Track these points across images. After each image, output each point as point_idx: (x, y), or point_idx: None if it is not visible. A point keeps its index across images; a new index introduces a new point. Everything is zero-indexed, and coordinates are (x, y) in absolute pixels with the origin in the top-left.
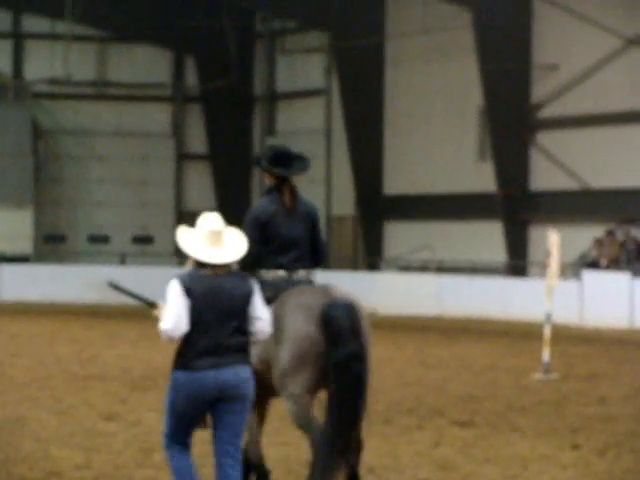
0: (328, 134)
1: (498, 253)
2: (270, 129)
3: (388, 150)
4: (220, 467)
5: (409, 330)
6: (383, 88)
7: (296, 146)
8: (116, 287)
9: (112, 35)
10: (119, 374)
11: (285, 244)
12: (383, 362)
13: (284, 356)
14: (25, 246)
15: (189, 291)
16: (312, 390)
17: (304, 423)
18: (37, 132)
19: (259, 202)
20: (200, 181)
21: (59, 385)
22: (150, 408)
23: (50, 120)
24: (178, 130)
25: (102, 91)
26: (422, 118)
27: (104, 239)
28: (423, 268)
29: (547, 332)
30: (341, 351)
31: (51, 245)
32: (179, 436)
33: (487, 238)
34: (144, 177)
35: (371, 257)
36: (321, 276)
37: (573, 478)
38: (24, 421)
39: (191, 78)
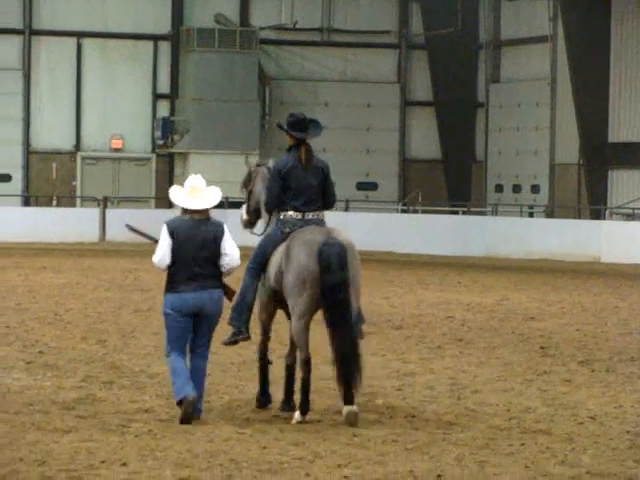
0: (553, 81)
1: None
2: (494, 76)
3: (614, 97)
4: (192, 358)
5: (633, 279)
6: (609, 33)
7: (520, 93)
8: (132, 229)
9: None
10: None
11: (299, 191)
12: (606, 310)
13: (289, 279)
14: None
15: (172, 233)
16: (311, 309)
17: (300, 340)
18: (263, 79)
19: (280, 158)
20: (424, 128)
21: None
22: (373, 352)
23: (276, 67)
24: (403, 77)
25: (327, 38)
26: None
27: None
28: None
29: None
30: (329, 279)
31: None
32: (175, 344)
33: None
34: (369, 124)
35: (595, 205)
36: (544, 223)
37: None
38: (250, 365)
39: (416, 25)
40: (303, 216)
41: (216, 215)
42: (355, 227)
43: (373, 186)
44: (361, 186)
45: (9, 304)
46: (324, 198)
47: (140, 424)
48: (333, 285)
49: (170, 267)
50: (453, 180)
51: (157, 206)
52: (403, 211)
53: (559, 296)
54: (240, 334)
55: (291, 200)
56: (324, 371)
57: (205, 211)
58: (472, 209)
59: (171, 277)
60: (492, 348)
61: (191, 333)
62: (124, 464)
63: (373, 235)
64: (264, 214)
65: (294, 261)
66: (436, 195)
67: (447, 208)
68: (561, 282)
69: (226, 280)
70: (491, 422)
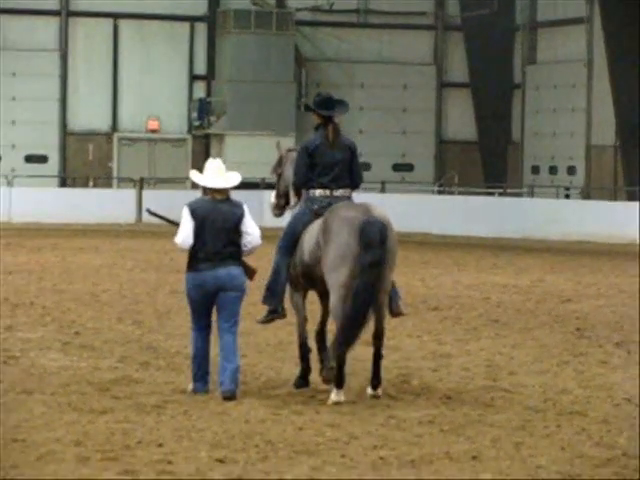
0: (589, 63)
1: None
2: (531, 58)
3: None
4: (220, 336)
5: None
6: None
7: (556, 75)
8: (153, 213)
9: None
10: None
11: (326, 168)
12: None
13: (330, 254)
14: None
15: (194, 214)
16: (347, 284)
17: (337, 313)
18: (299, 60)
19: (308, 138)
20: (460, 109)
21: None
22: (408, 333)
23: (312, 48)
24: (439, 59)
25: (364, 19)
26: None
27: (365, 167)
28: None
29: None
30: (368, 257)
31: None
32: (196, 321)
33: None
34: (405, 105)
35: (631, 187)
36: (580, 205)
37: None
38: (286, 346)
39: (452, 7)
40: (331, 193)
41: (252, 196)
42: (391, 208)
43: (409, 167)
44: (397, 167)
45: (46, 285)
46: (351, 177)
47: (176, 405)
48: (372, 263)
49: (192, 246)
50: (489, 162)
51: (193, 187)
52: (439, 192)
53: (595, 278)
54: (275, 312)
55: (318, 177)
56: (359, 352)
57: (225, 191)
58: (508, 191)
59: (192, 256)
60: (528, 330)
61: (211, 311)
62: (160, 445)
63: (409, 217)
64: (292, 196)
65: (335, 237)
66: (472, 177)
67: (483, 190)
68: (597, 264)
69: (245, 259)
70: (527, 404)
